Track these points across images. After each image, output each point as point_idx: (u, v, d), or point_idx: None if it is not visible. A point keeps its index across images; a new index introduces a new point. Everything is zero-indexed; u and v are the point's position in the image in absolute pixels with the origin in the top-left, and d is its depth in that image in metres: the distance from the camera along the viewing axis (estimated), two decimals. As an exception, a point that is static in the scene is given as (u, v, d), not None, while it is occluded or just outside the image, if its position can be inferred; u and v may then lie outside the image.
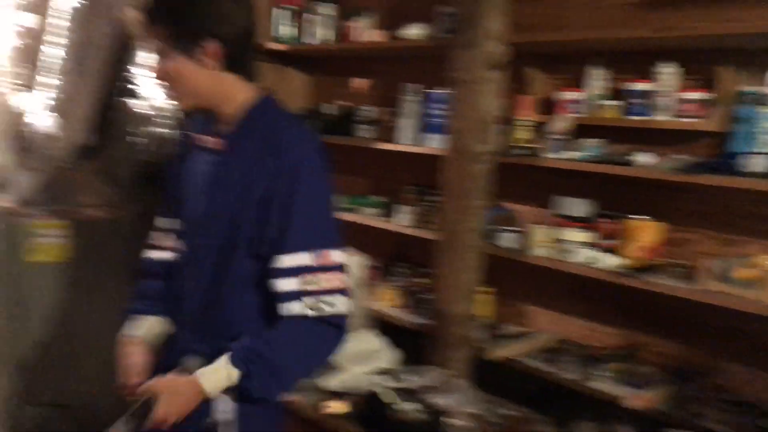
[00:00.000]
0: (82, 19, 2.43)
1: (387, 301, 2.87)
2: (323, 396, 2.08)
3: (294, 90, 3.52)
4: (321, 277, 1.42)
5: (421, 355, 2.52)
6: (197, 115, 1.60)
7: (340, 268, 1.46)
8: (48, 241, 2.85)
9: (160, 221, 1.75)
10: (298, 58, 3.47)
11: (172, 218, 1.68)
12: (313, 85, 3.57)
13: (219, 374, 1.41)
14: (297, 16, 3.28)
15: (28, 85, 2.96)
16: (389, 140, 2.91)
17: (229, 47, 1.42)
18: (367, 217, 2.97)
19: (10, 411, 2.78)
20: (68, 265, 2.87)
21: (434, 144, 2.67)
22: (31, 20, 3.00)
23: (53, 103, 2.67)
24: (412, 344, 2.55)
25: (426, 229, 2.71)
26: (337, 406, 1.94)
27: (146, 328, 1.68)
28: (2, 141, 2.78)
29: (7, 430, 2.73)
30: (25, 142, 2.79)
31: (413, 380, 2.14)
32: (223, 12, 1.40)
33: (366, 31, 3.05)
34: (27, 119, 2.78)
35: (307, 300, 1.42)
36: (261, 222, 1.44)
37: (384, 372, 2.20)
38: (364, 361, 2.20)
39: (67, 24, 2.50)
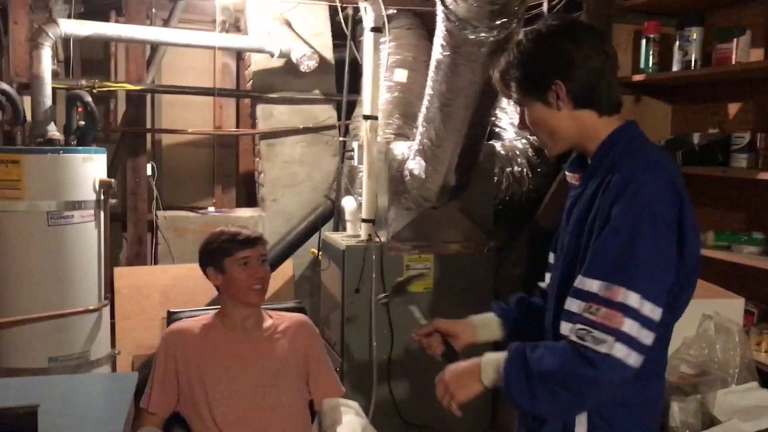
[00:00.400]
0: (446, 69, 2.62)
1: (771, 352, 2.52)
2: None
3: (655, 120, 3.34)
4: (602, 310, 1.33)
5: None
6: (573, 156, 1.63)
7: (627, 310, 1.32)
8: (416, 273, 3.11)
9: (550, 256, 1.76)
10: (659, 87, 3.29)
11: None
12: (676, 114, 3.35)
13: (493, 365, 1.45)
14: (657, 44, 3.13)
15: (403, 134, 3.31)
16: (771, 169, 2.58)
17: (578, 87, 1.46)
18: (746, 256, 2.64)
19: (390, 429, 3.06)
20: (432, 295, 3.09)
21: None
22: (402, 75, 3.37)
23: (422, 148, 2.92)
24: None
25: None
26: (717, 463, 1.74)
27: (484, 320, 1.78)
28: (383, 184, 3.13)
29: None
30: (399, 184, 3.10)
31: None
32: (569, 58, 1.46)
33: (741, 51, 2.76)
34: (402, 165, 3.09)
35: (579, 326, 1.35)
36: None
37: (772, 432, 1.92)
38: (749, 417, 1.94)
39: (432, 75, 2.71)
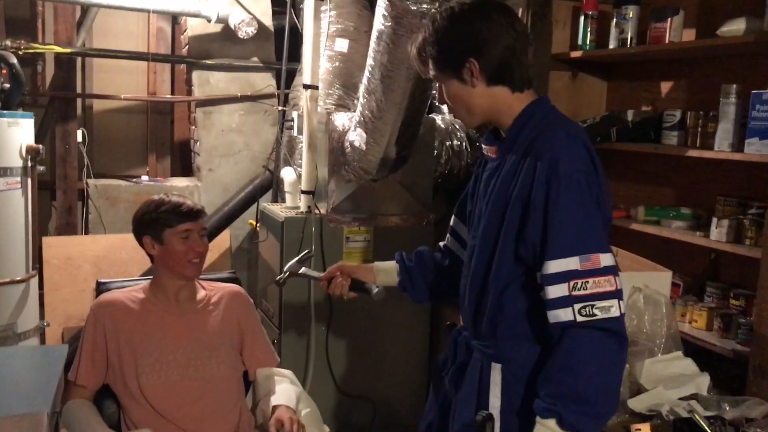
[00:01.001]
0: (387, 40, 2.60)
1: (695, 323, 2.63)
2: (629, 417, 1.96)
3: (592, 97, 3.40)
4: (591, 281, 1.41)
5: (734, 382, 2.29)
6: (488, 129, 1.70)
7: (610, 270, 1.42)
8: (356, 246, 3.11)
9: (452, 220, 1.90)
10: (596, 64, 3.35)
11: (461, 221, 1.84)
12: (611, 91, 3.42)
13: None
14: (595, 21, 3.18)
15: (344, 105, 3.27)
16: (700, 147, 2.66)
17: (492, 65, 1.53)
18: (674, 230, 2.74)
19: (327, 399, 3.09)
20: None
21: (756, 150, 2.36)
22: (343, 45, 3.32)
23: (362, 120, 2.90)
24: (723, 370, 2.32)
25: (745, 245, 2.42)
26: (644, 429, 1.81)
27: (385, 266, 1.95)
28: (323, 156, 3.10)
29: (327, 415, 3.02)
30: (340, 156, 3.07)
31: (728, 410, 1.93)
32: (481, 36, 1.53)
33: (674, 31, 2.82)
34: (342, 136, 3.06)
35: (577, 306, 1.41)
36: (524, 225, 1.48)
37: (695, 398, 2.00)
38: (674, 385, 2.02)
39: (373, 46, 2.69)
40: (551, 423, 1.42)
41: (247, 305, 2.24)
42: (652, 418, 1.95)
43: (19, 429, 1.48)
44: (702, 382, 2.11)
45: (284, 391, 2.13)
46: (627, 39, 3.00)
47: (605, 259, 1.42)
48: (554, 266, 1.43)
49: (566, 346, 1.42)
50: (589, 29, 3.18)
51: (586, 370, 1.40)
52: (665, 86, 3.11)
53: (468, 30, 1.54)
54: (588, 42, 3.19)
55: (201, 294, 2.17)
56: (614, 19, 3.04)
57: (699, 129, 2.69)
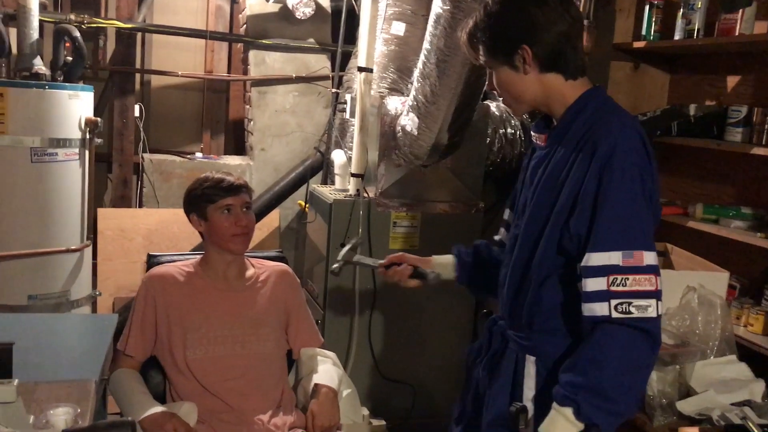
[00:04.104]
0: (445, 24, 2.56)
1: (751, 327, 2.53)
2: (677, 420, 1.91)
3: (653, 89, 3.30)
4: (631, 278, 1.37)
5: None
6: (539, 117, 1.66)
7: (653, 269, 1.39)
8: (402, 231, 3.09)
9: (505, 213, 1.86)
10: (659, 55, 3.25)
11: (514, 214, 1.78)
12: (674, 84, 3.31)
13: (557, 421, 1.41)
14: (660, 11, 3.07)
15: (397, 89, 3.25)
16: (766, 144, 2.56)
17: (545, 51, 1.49)
18: (733, 230, 2.64)
19: (367, 381, 3.11)
20: (417, 253, 3.05)
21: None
22: (399, 28, 3.30)
23: (415, 104, 2.87)
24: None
25: (809, 249, 2.33)
26: (692, 433, 1.76)
27: (443, 260, 1.91)
28: (374, 139, 3.09)
29: (366, 397, 3.03)
30: (391, 140, 3.06)
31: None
32: (534, 22, 1.48)
33: (745, 23, 2.71)
34: (394, 120, 3.05)
35: (614, 301, 1.37)
36: (571, 216, 1.45)
37: (748, 405, 1.94)
38: (726, 389, 1.96)
39: (430, 29, 2.65)
40: (568, 412, 1.39)
41: (294, 285, 2.26)
42: (702, 422, 1.90)
43: (68, 394, 1.52)
44: (756, 389, 2.05)
45: (327, 371, 2.14)
46: (694, 30, 2.89)
47: (649, 258, 1.39)
48: (595, 259, 1.40)
49: (597, 339, 1.40)
50: (653, 19, 3.08)
51: (614, 366, 1.38)
52: (732, 80, 2.99)
53: (521, 15, 1.50)
54: (652, 32, 3.09)
55: (250, 272, 2.19)
56: (681, 9, 2.93)
57: (766, 126, 2.59)
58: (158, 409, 1.92)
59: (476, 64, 1.64)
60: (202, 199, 2.08)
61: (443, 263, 1.92)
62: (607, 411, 1.38)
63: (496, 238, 1.90)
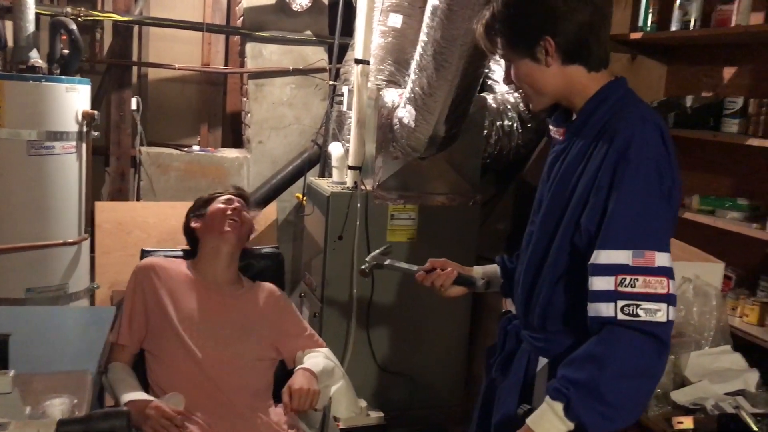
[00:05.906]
0: (441, 16, 2.56)
1: (746, 317, 2.55)
2: (672, 410, 1.92)
3: (650, 81, 3.30)
4: (640, 279, 1.29)
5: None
6: (556, 110, 1.59)
7: (665, 271, 1.30)
8: (401, 223, 3.10)
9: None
10: (656, 47, 3.24)
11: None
12: (671, 75, 3.31)
13: (546, 415, 1.35)
14: (656, 2, 3.07)
15: (394, 81, 3.25)
16: (762, 135, 2.56)
17: (568, 42, 1.42)
18: (729, 221, 2.65)
19: (366, 373, 3.13)
20: (415, 245, 3.10)
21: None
22: (396, 20, 3.29)
23: (412, 97, 2.87)
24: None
25: (804, 240, 2.33)
26: (686, 422, 1.76)
27: (486, 270, 1.82)
28: (371, 132, 3.09)
29: (364, 389, 3.04)
30: (388, 132, 3.05)
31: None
32: (556, 11, 1.41)
33: (741, 14, 2.71)
34: (392, 112, 3.04)
35: (621, 302, 1.30)
36: (583, 211, 1.38)
37: (742, 394, 1.95)
38: (720, 379, 1.97)
39: (427, 21, 2.65)
40: (557, 407, 1.33)
41: (287, 307, 2.28)
42: (696, 412, 1.91)
43: (65, 385, 1.52)
44: (750, 378, 2.05)
45: (310, 358, 2.16)
46: (690, 21, 2.89)
47: (661, 259, 1.31)
48: (603, 256, 1.32)
49: (602, 339, 1.32)
50: (650, 10, 3.08)
51: (615, 368, 1.30)
52: (728, 72, 2.99)
53: (542, 5, 1.42)
54: (649, 23, 3.09)
55: (241, 285, 2.25)
56: (678, 1, 2.93)
57: (762, 117, 2.59)
58: (143, 395, 1.94)
59: (493, 57, 1.56)
60: (203, 203, 2.27)
61: (488, 272, 1.82)
62: (600, 414, 1.31)
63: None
